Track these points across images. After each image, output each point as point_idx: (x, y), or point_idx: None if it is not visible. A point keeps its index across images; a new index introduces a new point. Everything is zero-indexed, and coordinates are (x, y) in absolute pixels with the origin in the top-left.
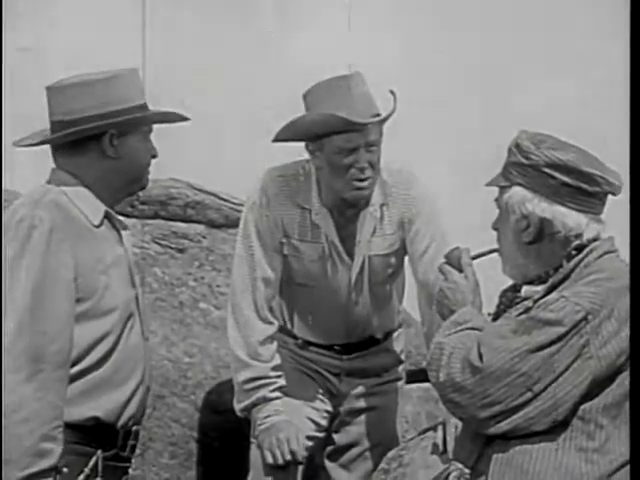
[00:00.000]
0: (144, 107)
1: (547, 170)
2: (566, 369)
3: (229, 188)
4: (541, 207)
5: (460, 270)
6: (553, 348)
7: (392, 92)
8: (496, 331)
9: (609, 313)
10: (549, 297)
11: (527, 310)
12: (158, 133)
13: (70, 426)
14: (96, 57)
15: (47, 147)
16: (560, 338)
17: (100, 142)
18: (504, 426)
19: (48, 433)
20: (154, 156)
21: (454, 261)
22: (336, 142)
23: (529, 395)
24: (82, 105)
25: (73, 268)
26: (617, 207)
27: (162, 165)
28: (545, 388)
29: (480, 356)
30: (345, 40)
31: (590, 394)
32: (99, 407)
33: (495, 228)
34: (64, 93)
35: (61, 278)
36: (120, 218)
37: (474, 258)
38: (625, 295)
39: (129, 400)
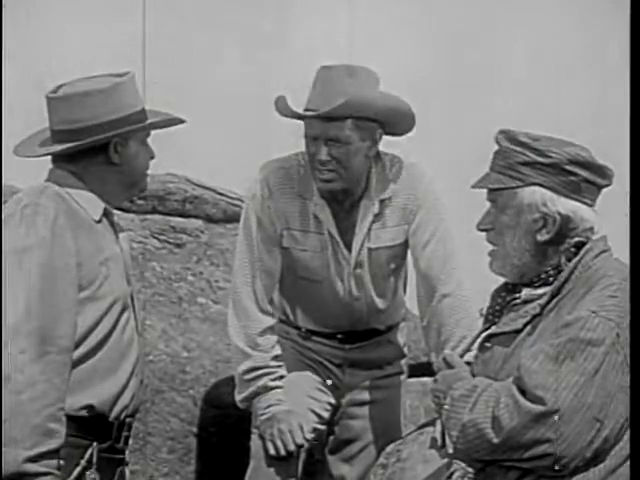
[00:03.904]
0: (144, 112)
1: (569, 167)
2: (616, 389)
3: (227, 183)
4: (562, 205)
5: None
6: (603, 370)
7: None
8: (540, 368)
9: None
10: (580, 314)
11: (535, 317)
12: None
13: (65, 417)
14: (96, 57)
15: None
16: (605, 357)
17: (105, 149)
18: (579, 463)
19: (54, 414)
20: (152, 157)
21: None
22: (304, 127)
23: (598, 426)
24: (89, 114)
25: (75, 255)
26: (617, 207)
27: (160, 160)
28: (607, 414)
29: (540, 399)
30: (346, 37)
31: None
32: (93, 395)
33: (486, 229)
34: (66, 103)
35: (65, 264)
36: (116, 220)
37: (465, 352)
38: None
39: (122, 390)
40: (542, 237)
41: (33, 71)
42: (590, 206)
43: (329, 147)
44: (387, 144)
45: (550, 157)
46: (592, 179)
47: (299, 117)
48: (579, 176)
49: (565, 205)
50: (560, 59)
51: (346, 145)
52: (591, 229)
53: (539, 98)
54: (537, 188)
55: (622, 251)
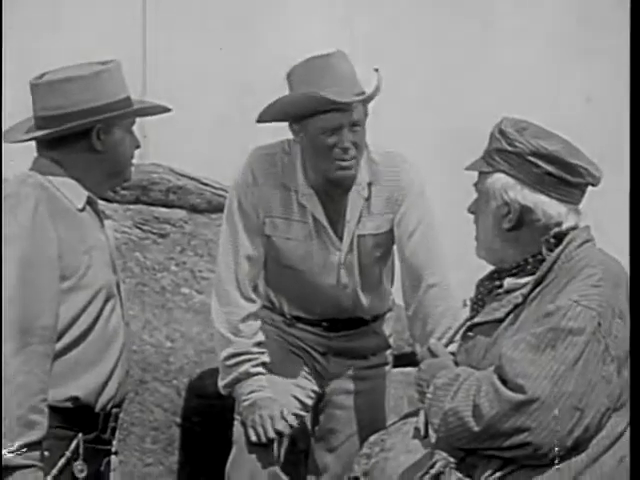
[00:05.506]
0: (128, 100)
1: (532, 159)
2: (597, 378)
3: (211, 173)
4: (523, 195)
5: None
6: (583, 359)
7: (376, 70)
8: (521, 356)
9: (613, 313)
10: (562, 303)
11: (517, 306)
12: (140, 119)
13: (50, 409)
14: (96, 57)
15: None
16: (586, 346)
17: (88, 136)
18: (560, 452)
19: (36, 405)
20: (137, 147)
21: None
22: (319, 122)
23: (578, 415)
24: (70, 101)
25: (57, 245)
26: (616, 207)
27: (144, 150)
28: (587, 403)
29: (521, 388)
30: (342, 30)
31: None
32: (78, 387)
33: (472, 211)
34: (50, 89)
35: (46, 254)
36: (101, 208)
37: (449, 342)
38: (618, 289)
39: (107, 381)
40: (505, 225)
41: (33, 68)
42: (563, 202)
43: (352, 133)
44: (385, 136)
45: (515, 146)
46: (558, 174)
47: (337, 108)
48: (541, 168)
49: (526, 196)
50: (560, 56)
51: (362, 128)
52: (558, 224)
53: (538, 91)
54: (502, 175)
55: (622, 254)
